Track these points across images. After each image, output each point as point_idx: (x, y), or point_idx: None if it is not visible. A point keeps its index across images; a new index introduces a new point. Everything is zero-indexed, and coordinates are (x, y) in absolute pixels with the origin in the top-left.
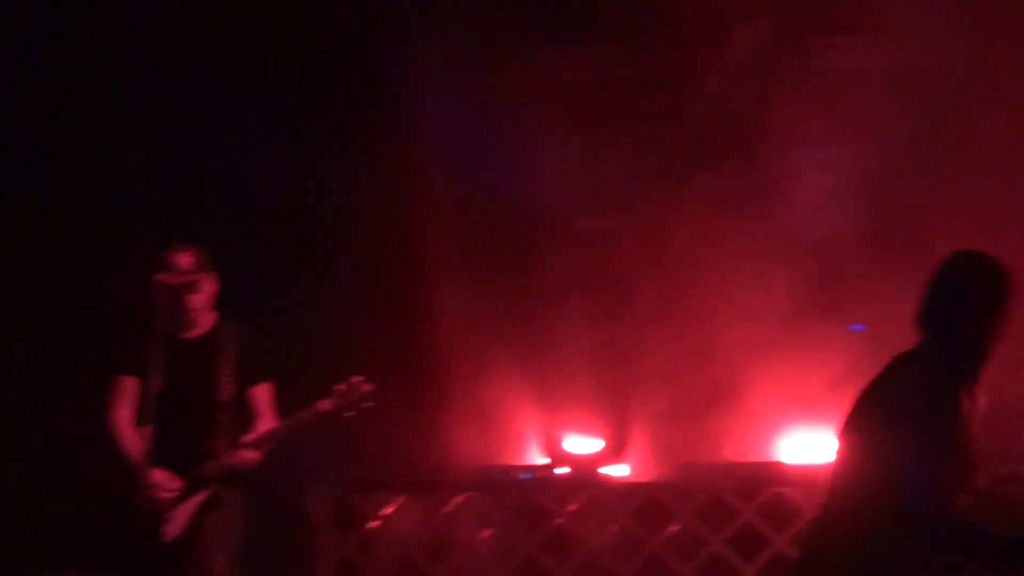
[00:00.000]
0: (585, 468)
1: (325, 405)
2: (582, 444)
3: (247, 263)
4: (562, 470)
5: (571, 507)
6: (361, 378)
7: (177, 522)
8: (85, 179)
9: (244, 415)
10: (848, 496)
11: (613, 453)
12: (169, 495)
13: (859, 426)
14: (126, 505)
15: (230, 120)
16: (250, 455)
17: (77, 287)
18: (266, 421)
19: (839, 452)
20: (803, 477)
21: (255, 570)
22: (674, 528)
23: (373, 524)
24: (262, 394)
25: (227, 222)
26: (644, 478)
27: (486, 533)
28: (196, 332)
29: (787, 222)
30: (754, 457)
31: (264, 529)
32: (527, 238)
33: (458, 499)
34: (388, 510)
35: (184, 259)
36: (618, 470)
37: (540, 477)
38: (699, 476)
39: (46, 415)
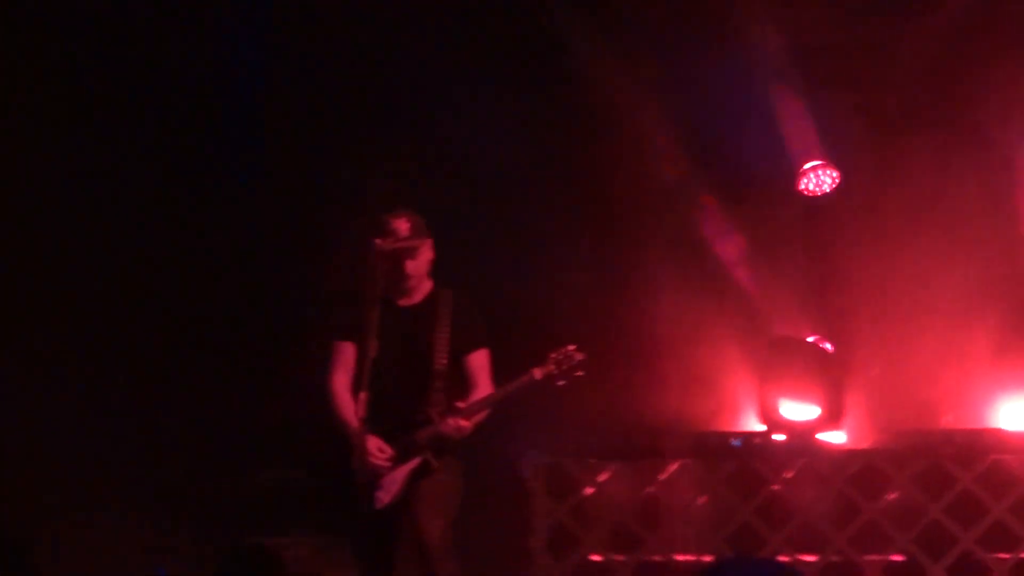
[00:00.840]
0: (801, 435)
1: (539, 373)
2: (798, 410)
3: (459, 231)
4: (778, 437)
5: (787, 474)
6: (574, 347)
7: (391, 488)
8: (299, 144)
9: (459, 383)
10: None
11: (829, 420)
12: (383, 462)
13: None
14: (341, 471)
15: (442, 87)
16: (463, 423)
17: (296, 251)
18: (481, 388)
19: None
20: (1022, 444)
21: (470, 536)
22: (891, 496)
23: (587, 491)
24: (478, 361)
25: (440, 189)
26: (860, 445)
27: (701, 500)
28: (413, 299)
29: (1003, 185)
30: (973, 424)
31: (479, 496)
32: (741, 202)
33: (673, 466)
34: (602, 477)
35: (402, 225)
36: (834, 437)
37: (756, 444)
38: (916, 443)
39: (264, 379)
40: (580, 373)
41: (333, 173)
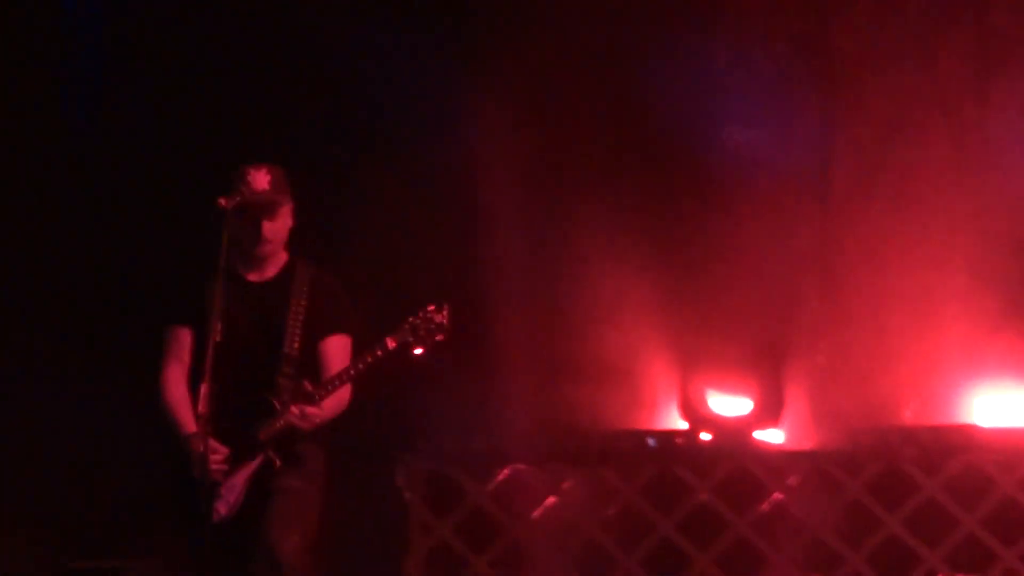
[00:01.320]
0: (732, 433)
1: (392, 341)
2: (728, 404)
3: (329, 196)
4: (704, 436)
5: (715, 480)
6: (434, 307)
7: (228, 496)
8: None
9: (312, 372)
10: None
11: (765, 415)
12: (216, 467)
13: None
14: (179, 479)
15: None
16: (311, 410)
17: (122, 215)
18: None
19: None
20: (999, 443)
21: (333, 556)
22: (841, 505)
23: (475, 503)
24: (334, 347)
25: (303, 144)
26: (803, 446)
27: (611, 512)
28: (265, 273)
29: (971, 154)
30: (939, 420)
31: (344, 508)
32: (665, 154)
33: (578, 472)
34: (493, 486)
35: (260, 178)
36: (772, 436)
37: (677, 444)
38: (871, 443)
39: (85, 376)
40: (440, 337)
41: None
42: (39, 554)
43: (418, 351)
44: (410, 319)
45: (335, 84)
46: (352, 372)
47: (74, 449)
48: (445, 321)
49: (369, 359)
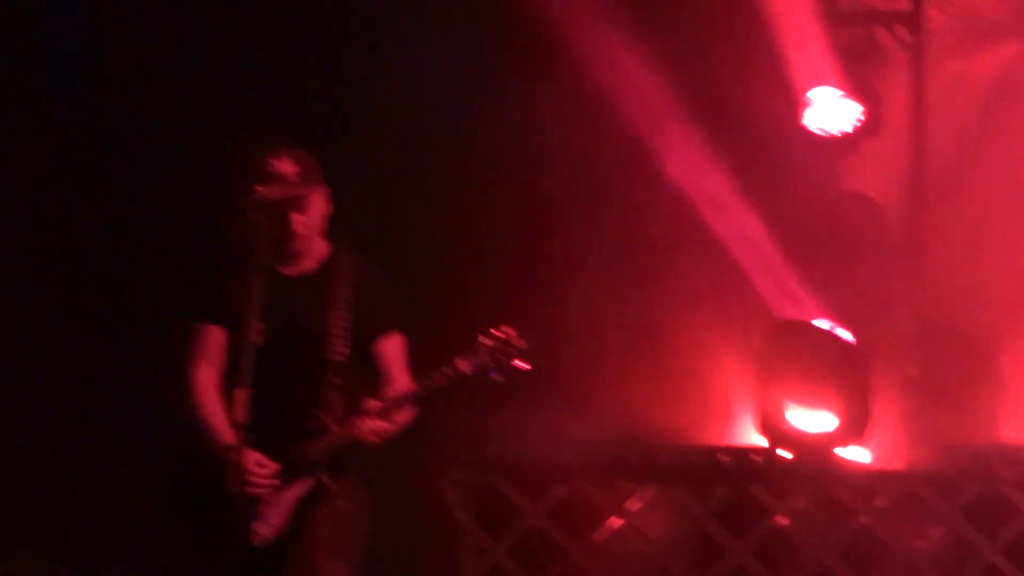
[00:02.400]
0: (814, 451)
1: (466, 364)
2: (809, 419)
3: (364, 178)
4: (783, 453)
5: (796, 503)
6: (514, 331)
7: (273, 519)
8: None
9: (363, 378)
10: None
11: (851, 432)
12: (264, 483)
13: None
14: (208, 495)
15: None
16: (383, 425)
17: (145, 208)
18: (397, 383)
19: None
20: None
21: None
22: (935, 532)
23: (532, 523)
24: (390, 348)
25: (335, 126)
26: (892, 465)
27: (682, 535)
28: (303, 266)
29: None
30: None
31: (392, 529)
32: (736, 148)
33: (646, 492)
34: (551, 505)
35: (286, 166)
36: (857, 454)
37: (754, 463)
38: (968, 463)
39: (109, 379)
40: (522, 365)
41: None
42: (58, 572)
43: (495, 377)
44: (485, 341)
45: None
46: (420, 392)
47: (93, 459)
48: (525, 346)
49: (440, 379)
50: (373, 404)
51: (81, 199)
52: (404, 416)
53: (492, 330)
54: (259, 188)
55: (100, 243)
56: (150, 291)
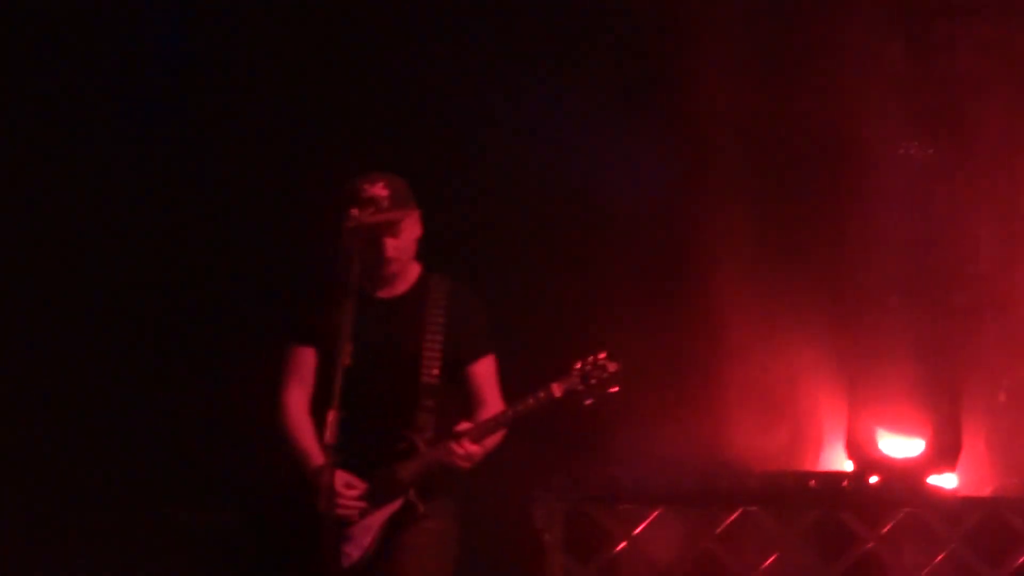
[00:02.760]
0: (903, 477)
1: (559, 389)
2: (899, 445)
3: (457, 200)
4: (872, 479)
5: (884, 528)
6: (605, 355)
7: (362, 541)
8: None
9: (453, 400)
10: None
11: (940, 458)
12: (353, 504)
13: None
14: (297, 516)
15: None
16: (473, 448)
17: (239, 231)
18: (489, 406)
19: None
20: None
21: None
22: (1022, 560)
23: (620, 546)
24: (483, 371)
25: (429, 148)
26: (982, 492)
27: (770, 560)
28: (396, 290)
29: None
30: None
31: (479, 552)
32: (833, 180)
33: (734, 515)
34: (640, 529)
35: (379, 190)
36: (946, 480)
37: (843, 488)
38: None
39: (199, 397)
40: (614, 389)
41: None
42: None
43: (588, 402)
44: (579, 364)
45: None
46: (511, 415)
47: (186, 479)
48: (620, 371)
49: (532, 403)
50: (465, 427)
51: (181, 216)
52: (494, 440)
53: (586, 356)
54: (353, 212)
55: (197, 265)
56: (247, 314)
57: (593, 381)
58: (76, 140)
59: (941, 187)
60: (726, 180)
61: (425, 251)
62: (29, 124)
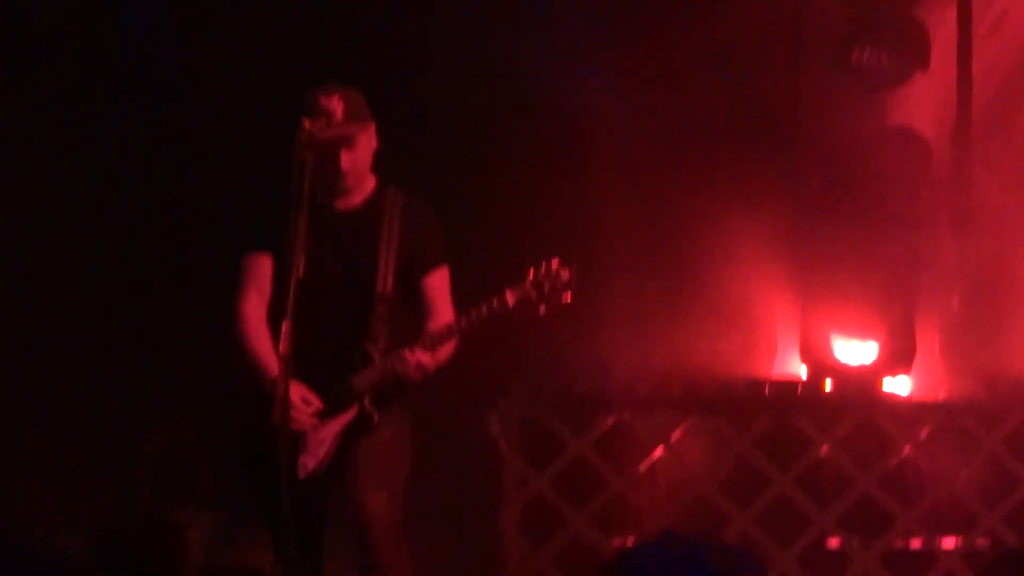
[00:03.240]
0: (856, 382)
1: (512, 297)
2: (853, 350)
3: (410, 110)
4: (827, 384)
5: (838, 432)
6: (557, 262)
7: (317, 451)
8: None
9: (407, 311)
10: None
11: (894, 362)
12: (308, 415)
13: None
14: (254, 428)
15: None
16: (424, 357)
17: (195, 137)
18: (441, 316)
19: None
20: None
21: (423, 512)
22: (975, 462)
23: (573, 454)
24: (436, 282)
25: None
26: (935, 396)
27: (723, 467)
28: (351, 201)
29: None
30: None
31: (434, 460)
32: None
33: (686, 422)
34: (593, 436)
35: (335, 104)
36: (900, 384)
37: (796, 394)
38: (1009, 394)
39: (155, 310)
40: (567, 298)
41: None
42: (101, 506)
43: (542, 310)
44: (532, 273)
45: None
46: (464, 323)
47: (125, 390)
48: (572, 279)
49: (485, 312)
50: (420, 339)
51: (139, 128)
52: (446, 350)
53: (539, 264)
54: (307, 126)
55: (154, 175)
56: (203, 225)
57: (546, 289)
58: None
59: (893, 94)
60: (675, 89)
61: (380, 162)
62: None
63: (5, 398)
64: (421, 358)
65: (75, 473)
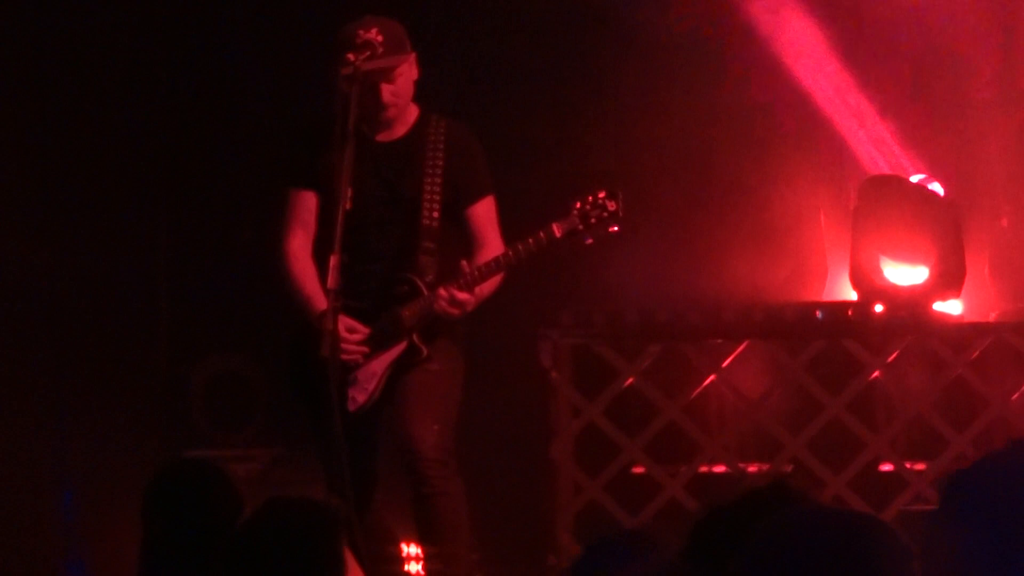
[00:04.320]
0: (907, 305)
1: (559, 229)
2: (903, 273)
3: (451, 37)
4: (877, 308)
5: (889, 357)
6: (604, 193)
7: (367, 385)
8: None
9: (455, 242)
10: None
11: (944, 285)
12: (355, 348)
13: None
14: (302, 360)
15: None
16: (462, 295)
17: (239, 75)
18: (489, 248)
19: None
20: None
21: (475, 444)
22: None
23: (626, 382)
24: (483, 212)
25: None
26: (986, 317)
27: (776, 392)
28: (395, 133)
29: None
30: None
31: (485, 391)
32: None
33: (738, 348)
34: (646, 364)
35: (374, 36)
36: (951, 307)
37: (847, 317)
38: None
39: (201, 244)
40: (614, 228)
41: None
42: (146, 445)
43: (588, 241)
44: (578, 204)
45: None
46: (512, 257)
47: (170, 320)
48: (619, 210)
49: (533, 246)
50: (464, 268)
51: (177, 62)
52: (490, 285)
53: (585, 195)
54: (348, 58)
55: (198, 109)
56: (251, 157)
57: (593, 220)
58: None
59: (941, 9)
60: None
61: (423, 91)
62: None
63: (56, 319)
64: (457, 295)
65: (128, 405)
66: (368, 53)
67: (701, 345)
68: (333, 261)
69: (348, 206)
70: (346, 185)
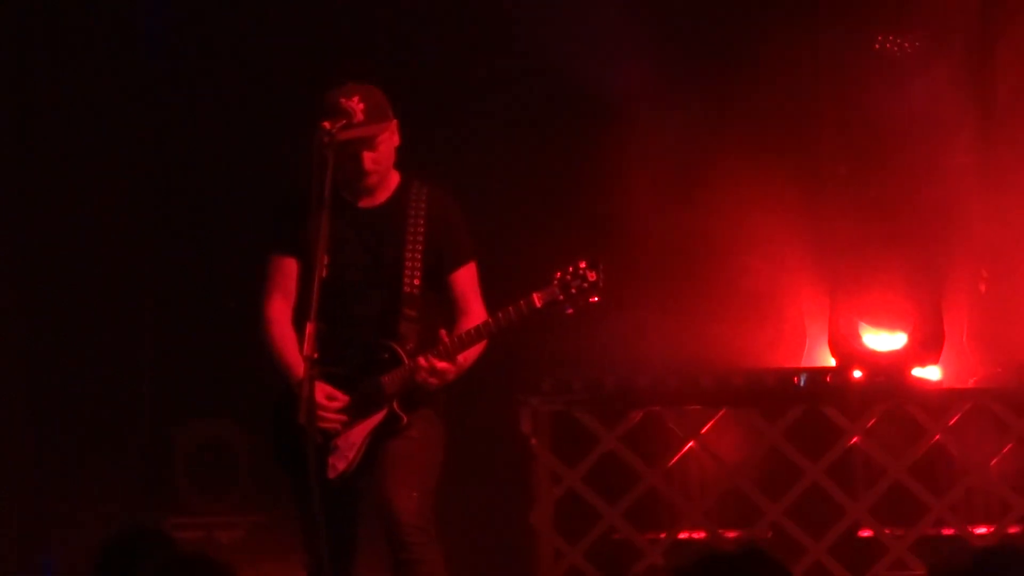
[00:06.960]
0: (886, 371)
1: (540, 299)
2: (882, 339)
3: (434, 106)
4: (856, 373)
5: (868, 422)
6: (585, 263)
7: (347, 453)
8: None
9: (436, 309)
10: None
11: (923, 350)
12: (335, 416)
13: None
14: (282, 429)
15: None
16: (443, 365)
17: (219, 139)
18: (471, 314)
19: None
20: None
21: (455, 512)
22: (1006, 448)
23: (606, 448)
24: (465, 278)
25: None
26: (965, 383)
27: (755, 458)
28: (376, 199)
29: None
30: None
31: (465, 459)
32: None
33: (717, 414)
34: (624, 430)
35: (355, 104)
36: (929, 373)
37: (826, 383)
38: None
39: (185, 311)
40: (595, 299)
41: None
42: (129, 511)
43: (569, 312)
44: (559, 274)
45: None
46: (492, 326)
47: (152, 387)
48: (599, 280)
49: (513, 315)
50: (443, 338)
51: (162, 130)
52: (472, 354)
53: (566, 266)
54: (326, 127)
55: (182, 179)
56: (231, 225)
57: (573, 291)
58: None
59: (916, 80)
60: (699, 85)
61: (404, 158)
62: None
63: (43, 386)
64: (437, 365)
65: (111, 470)
66: (344, 121)
67: (680, 411)
68: (309, 329)
69: (324, 274)
70: (322, 252)
